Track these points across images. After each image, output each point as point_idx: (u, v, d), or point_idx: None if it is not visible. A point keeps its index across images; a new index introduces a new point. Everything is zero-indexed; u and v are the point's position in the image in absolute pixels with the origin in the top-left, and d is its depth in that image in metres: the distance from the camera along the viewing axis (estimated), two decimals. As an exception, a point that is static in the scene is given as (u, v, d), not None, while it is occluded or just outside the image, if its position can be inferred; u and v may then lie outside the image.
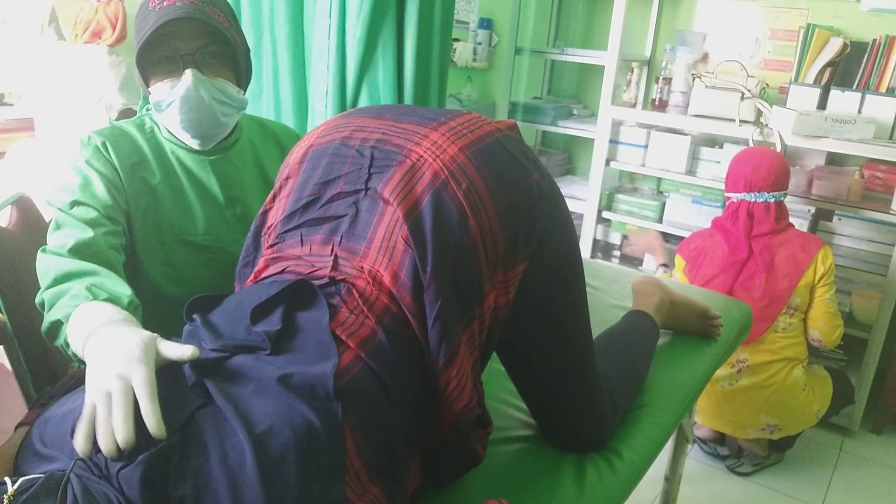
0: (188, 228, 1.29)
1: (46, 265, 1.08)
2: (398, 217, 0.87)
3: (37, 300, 1.07)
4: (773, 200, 2.21)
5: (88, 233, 1.13)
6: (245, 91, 1.33)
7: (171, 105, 1.23)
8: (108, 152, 1.25)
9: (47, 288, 1.06)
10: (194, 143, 1.29)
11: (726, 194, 2.31)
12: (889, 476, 2.41)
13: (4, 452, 0.81)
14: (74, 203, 1.17)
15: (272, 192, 1.04)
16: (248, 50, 1.33)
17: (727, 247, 2.23)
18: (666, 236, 3.06)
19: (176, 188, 1.29)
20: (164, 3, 1.18)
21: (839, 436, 2.60)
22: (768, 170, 2.19)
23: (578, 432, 1.12)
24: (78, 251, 1.10)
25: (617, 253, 3.21)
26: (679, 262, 2.38)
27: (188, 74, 1.20)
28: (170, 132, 1.30)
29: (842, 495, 2.29)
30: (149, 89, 1.24)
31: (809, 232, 2.56)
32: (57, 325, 1.01)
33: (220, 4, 1.24)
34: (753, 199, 2.22)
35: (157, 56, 1.21)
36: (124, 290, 1.04)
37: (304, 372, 0.77)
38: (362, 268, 0.88)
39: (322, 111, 2.00)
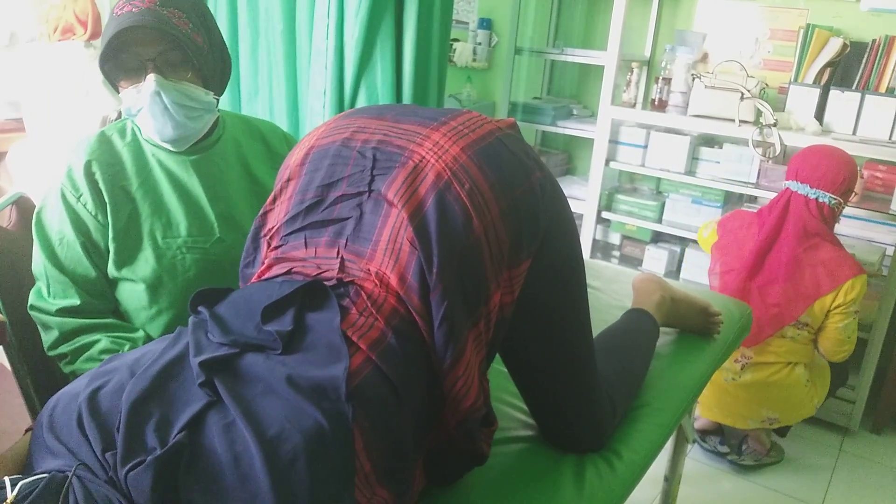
0: (170, 231, 1.29)
1: (48, 322, 1.24)
2: (403, 219, 0.87)
3: (50, 352, 1.24)
4: (814, 197, 2.08)
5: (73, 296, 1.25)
6: (222, 90, 1.33)
7: (140, 111, 1.24)
8: (92, 172, 1.26)
9: (62, 342, 1.23)
10: (168, 146, 1.30)
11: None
12: (889, 476, 2.41)
13: (12, 453, 0.80)
14: (59, 238, 1.26)
15: (272, 193, 1.03)
16: (224, 47, 1.32)
17: (758, 239, 2.15)
18: (666, 237, 3.07)
19: (155, 192, 1.29)
20: (124, 10, 1.18)
21: (839, 436, 2.60)
22: (819, 163, 2.07)
23: (578, 432, 1.12)
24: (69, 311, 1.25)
25: (617, 253, 3.21)
26: (712, 235, 2.32)
27: (150, 80, 1.21)
28: (148, 134, 1.31)
29: (842, 495, 2.29)
30: (119, 94, 1.25)
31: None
32: None
33: (182, 5, 1.23)
34: (795, 189, 2.12)
35: (121, 62, 1.22)
36: (133, 332, 1.26)
37: (314, 373, 0.77)
38: (369, 270, 0.88)
39: (320, 111, 2.00)
